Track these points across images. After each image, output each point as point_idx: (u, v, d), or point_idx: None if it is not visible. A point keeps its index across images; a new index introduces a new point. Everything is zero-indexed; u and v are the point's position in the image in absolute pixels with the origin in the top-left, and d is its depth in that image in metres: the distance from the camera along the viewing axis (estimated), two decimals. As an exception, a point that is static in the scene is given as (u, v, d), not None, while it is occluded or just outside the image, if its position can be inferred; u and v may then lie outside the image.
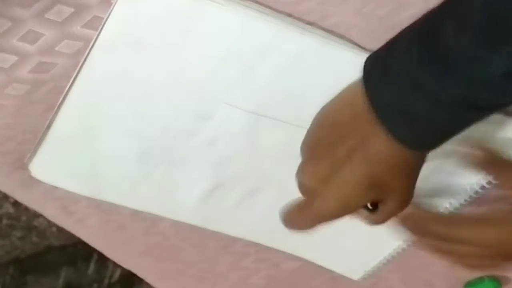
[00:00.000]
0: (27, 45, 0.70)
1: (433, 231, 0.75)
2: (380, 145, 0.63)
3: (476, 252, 0.74)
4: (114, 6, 0.67)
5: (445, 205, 0.85)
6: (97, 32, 0.69)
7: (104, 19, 0.68)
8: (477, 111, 0.59)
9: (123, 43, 0.70)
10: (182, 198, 0.83)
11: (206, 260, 0.93)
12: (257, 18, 0.70)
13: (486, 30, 0.55)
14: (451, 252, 0.76)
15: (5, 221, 1.68)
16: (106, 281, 1.78)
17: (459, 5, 0.57)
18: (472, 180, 0.83)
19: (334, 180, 0.66)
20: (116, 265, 1.13)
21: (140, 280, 0.97)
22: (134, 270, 0.95)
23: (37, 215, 1.60)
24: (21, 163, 0.79)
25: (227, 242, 0.90)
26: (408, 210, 0.70)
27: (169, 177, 0.81)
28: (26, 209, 1.38)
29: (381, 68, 0.61)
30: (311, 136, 0.68)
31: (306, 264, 0.93)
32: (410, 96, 0.59)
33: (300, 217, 0.70)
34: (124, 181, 0.81)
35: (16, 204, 1.63)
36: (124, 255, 0.93)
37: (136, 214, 0.86)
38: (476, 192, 0.84)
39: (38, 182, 0.80)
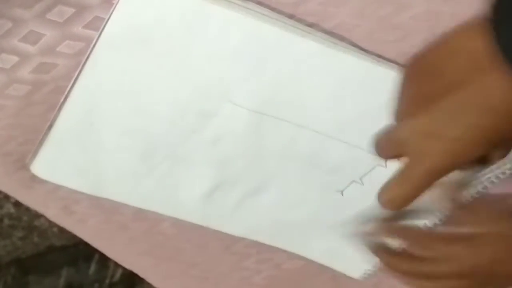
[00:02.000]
0: (28, 45, 0.70)
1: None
2: (503, 94, 0.57)
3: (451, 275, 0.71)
4: (116, 5, 0.67)
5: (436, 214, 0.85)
6: (99, 31, 0.69)
7: (106, 19, 0.68)
8: None
9: (125, 42, 0.70)
10: (184, 196, 0.83)
11: (207, 260, 0.93)
12: (260, 19, 0.70)
13: None
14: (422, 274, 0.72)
15: (6, 221, 1.68)
16: (107, 281, 1.78)
17: None
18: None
19: (450, 135, 0.60)
20: (117, 265, 1.13)
21: (141, 280, 0.97)
22: (135, 270, 0.95)
23: (38, 216, 1.60)
24: (23, 164, 0.79)
25: (228, 243, 0.90)
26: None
27: (171, 175, 0.81)
28: (27, 209, 1.38)
29: (505, 7, 0.54)
30: (412, 87, 0.62)
31: (308, 264, 0.93)
32: None
33: (407, 182, 0.63)
34: (126, 178, 0.81)
35: (17, 204, 1.63)
36: (125, 255, 0.93)
37: (138, 214, 0.86)
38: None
39: (40, 182, 0.80)
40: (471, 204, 0.73)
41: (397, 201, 0.65)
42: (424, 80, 0.60)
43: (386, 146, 0.65)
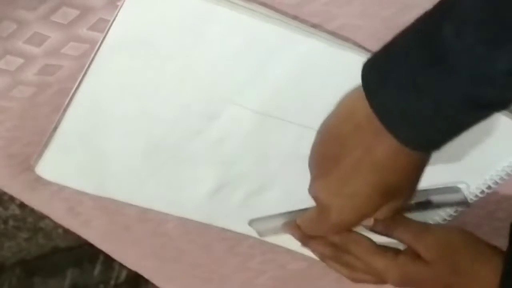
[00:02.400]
0: (33, 47, 0.70)
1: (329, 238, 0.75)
2: (386, 152, 0.63)
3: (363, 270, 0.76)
4: (120, 7, 0.67)
5: (440, 212, 0.85)
6: (104, 34, 0.69)
7: (111, 21, 0.68)
8: (481, 109, 0.59)
9: (130, 44, 0.70)
10: (188, 196, 0.83)
11: (212, 261, 0.93)
12: (264, 20, 0.70)
13: (488, 28, 0.54)
14: (339, 260, 0.77)
15: (11, 222, 1.68)
16: (112, 282, 1.78)
17: (457, 5, 0.56)
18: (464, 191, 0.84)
19: (346, 193, 0.67)
20: (122, 266, 1.13)
21: (146, 281, 0.97)
22: (140, 271, 0.95)
23: (43, 217, 1.60)
24: (27, 165, 0.79)
25: (232, 243, 0.90)
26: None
27: (175, 175, 0.81)
28: (32, 210, 1.38)
29: (380, 73, 0.61)
30: (317, 152, 0.69)
31: (312, 264, 0.93)
32: (413, 99, 0.59)
33: (316, 229, 0.73)
34: (131, 179, 0.81)
35: (22, 205, 1.63)
36: (130, 256, 0.93)
37: (142, 215, 0.86)
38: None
39: (44, 183, 0.80)
40: (424, 228, 0.76)
41: (301, 239, 0.76)
42: (326, 142, 0.68)
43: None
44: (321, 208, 0.70)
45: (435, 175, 0.81)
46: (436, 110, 0.58)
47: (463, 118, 0.60)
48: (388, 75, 0.60)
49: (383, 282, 0.75)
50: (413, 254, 0.74)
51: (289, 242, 0.86)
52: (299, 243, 0.79)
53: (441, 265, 0.73)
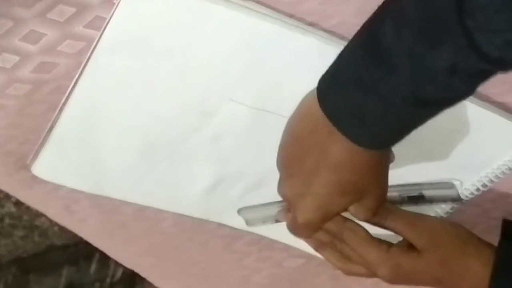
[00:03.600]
0: (29, 45, 0.70)
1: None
2: (341, 152, 0.65)
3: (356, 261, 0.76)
4: (117, 5, 0.67)
5: (436, 209, 0.86)
6: (100, 31, 0.69)
7: (108, 19, 0.68)
8: (426, 106, 0.60)
9: (127, 42, 0.70)
10: (185, 193, 0.84)
11: (208, 259, 0.93)
12: (260, 18, 0.70)
13: (423, 27, 0.56)
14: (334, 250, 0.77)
15: (7, 220, 1.68)
16: (108, 280, 1.78)
17: (395, 6, 0.57)
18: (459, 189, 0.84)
19: (309, 193, 0.68)
20: (118, 264, 1.13)
21: (142, 279, 0.97)
22: (136, 269, 0.95)
23: (39, 215, 1.60)
24: (24, 163, 0.79)
25: (229, 241, 0.90)
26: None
27: (172, 172, 0.81)
28: (28, 208, 1.38)
29: (330, 76, 0.63)
30: (282, 154, 0.70)
31: (309, 262, 0.93)
32: (360, 98, 0.60)
33: (291, 228, 0.74)
34: (127, 177, 0.82)
35: (18, 203, 1.63)
36: (126, 254, 0.93)
37: (138, 214, 0.86)
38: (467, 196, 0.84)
39: (40, 182, 0.80)
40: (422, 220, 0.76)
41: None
42: (289, 144, 0.69)
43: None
44: (290, 207, 0.72)
45: (430, 171, 0.82)
46: (383, 108, 0.60)
47: (410, 115, 0.61)
48: (337, 75, 0.62)
49: (374, 275, 0.76)
50: (405, 247, 0.75)
51: (281, 234, 0.86)
52: (294, 238, 0.79)
53: (432, 256, 0.74)
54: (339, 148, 0.64)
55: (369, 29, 0.60)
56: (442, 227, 0.75)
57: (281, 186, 0.71)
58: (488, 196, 0.85)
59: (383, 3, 0.59)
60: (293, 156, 0.69)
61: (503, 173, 0.82)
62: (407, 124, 0.63)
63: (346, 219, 0.74)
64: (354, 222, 0.75)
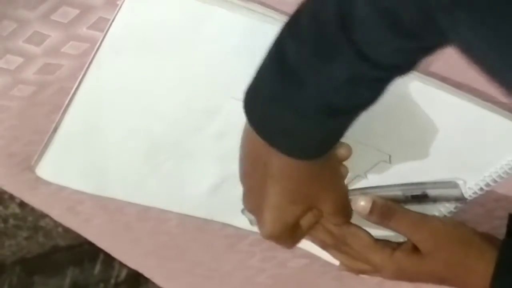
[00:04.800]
0: (33, 46, 0.70)
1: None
2: (279, 163, 0.66)
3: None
4: (120, 7, 0.67)
5: (440, 208, 0.86)
6: (104, 33, 0.69)
7: (111, 20, 0.68)
8: (340, 115, 0.62)
9: (130, 43, 0.70)
10: (189, 192, 0.84)
11: (212, 259, 0.93)
12: (261, 19, 0.70)
13: (317, 44, 0.57)
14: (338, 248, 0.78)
15: (11, 221, 1.68)
16: (112, 281, 1.78)
17: (294, 22, 0.59)
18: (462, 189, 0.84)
19: (264, 206, 0.69)
20: (122, 265, 1.14)
21: (146, 279, 0.97)
22: (141, 270, 0.95)
23: (43, 216, 1.60)
24: (28, 164, 0.79)
25: (233, 241, 0.90)
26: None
27: (176, 172, 0.81)
28: (33, 209, 1.38)
29: (251, 92, 0.63)
30: (239, 169, 0.71)
31: (312, 262, 0.93)
32: (277, 112, 0.62)
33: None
34: (131, 177, 0.82)
35: (22, 204, 1.63)
36: (130, 255, 0.93)
37: (142, 214, 0.86)
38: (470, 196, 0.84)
39: (44, 183, 0.81)
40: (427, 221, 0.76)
41: None
42: (241, 159, 0.70)
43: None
44: (257, 223, 0.73)
45: (434, 171, 0.82)
46: (300, 121, 0.61)
47: (328, 125, 0.62)
48: (255, 92, 0.63)
49: (379, 275, 0.76)
50: (408, 250, 0.75)
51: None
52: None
53: (436, 259, 0.74)
54: (277, 161, 0.65)
55: (278, 44, 0.61)
56: (446, 230, 0.75)
57: (243, 200, 0.72)
58: (491, 196, 0.85)
59: (288, 18, 0.61)
60: (245, 171, 0.70)
61: (506, 173, 0.82)
62: (330, 134, 0.64)
63: (350, 224, 0.74)
64: (357, 226, 0.75)
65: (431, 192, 0.82)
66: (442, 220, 0.78)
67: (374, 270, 0.77)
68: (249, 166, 0.69)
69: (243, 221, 0.87)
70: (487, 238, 0.76)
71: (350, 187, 0.77)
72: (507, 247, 0.73)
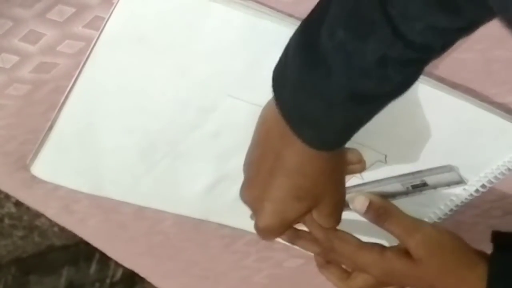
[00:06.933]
0: (29, 45, 0.70)
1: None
2: (293, 156, 0.66)
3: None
4: (116, 5, 0.67)
5: (429, 214, 0.86)
6: (100, 30, 0.69)
7: (106, 18, 0.68)
8: (368, 102, 0.62)
9: (125, 41, 0.70)
10: (185, 192, 0.83)
11: (208, 259, 0.93)
12: (259, 16, 0.70)
13: (352, 22, 0.58)
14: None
15: (7, 221, 1.68)
16: (108, 280, 1.78)
17: (329, 8, 0.60)
18: (457, 190, 0.84)
19: (266, 198, 0.69)
20: (118, 264, 1.13)
21: (142, 279, 0.97)
22: (136, 270, 0.95)
23: (39, 215, 1.59)
24: (23, 163, 0.79)
25: (228, 241, 0.90)
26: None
27: (172, 171, 0.81)
28: (28, 209, 1.38)
29: (280, 77, 0.64)
30: (246, 157, 0.72)
31: (309, 262, 0.93)
32: (305, 99, 0.62)
33: (256, 233, 0.74)
34: (127, 177, 0.82)
35: (18, 204, 1.63)
36: (126, 254, 0.93)
37: (138, 214, 0.86)
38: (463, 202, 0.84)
39: (40, 182, 0.80)
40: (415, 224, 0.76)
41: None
42: (250, 149, 0.70)
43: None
44: (254, 214, 0.73)
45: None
46: (326, 109, 0.62)
47: (354, 114, 0.63)
48: (285, 76, 0.64)
49: (369, 275, 0.76)
50: (400, 251, 0.74)
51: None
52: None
53: (428, 265, 0.73)
54: (291, 152, 0.66)
55: (308, 31, 0.62)
56: (439, 239, 0.75)
57: (241, 190, 0.72)
58: (487, 197, 0.85)
59: (316, 5, 0.61)
60: (253, 159, 0.70)
61: (502, 173, 0.82)
62: (353, 122, 0.65)
63: (336, 229, 0.74)
64: (342, 231, 0.75)
65: (430, 179, 0.82)
66: (438, 228, 0.78)
67: (364, 279, 0.76)
68: (259, 155, 0.69)
69: (239, 221, 0.87)
70: (478, 252, 0.75)
71: (347, 187, 0.77)
72: (496, 260, 0.73)
